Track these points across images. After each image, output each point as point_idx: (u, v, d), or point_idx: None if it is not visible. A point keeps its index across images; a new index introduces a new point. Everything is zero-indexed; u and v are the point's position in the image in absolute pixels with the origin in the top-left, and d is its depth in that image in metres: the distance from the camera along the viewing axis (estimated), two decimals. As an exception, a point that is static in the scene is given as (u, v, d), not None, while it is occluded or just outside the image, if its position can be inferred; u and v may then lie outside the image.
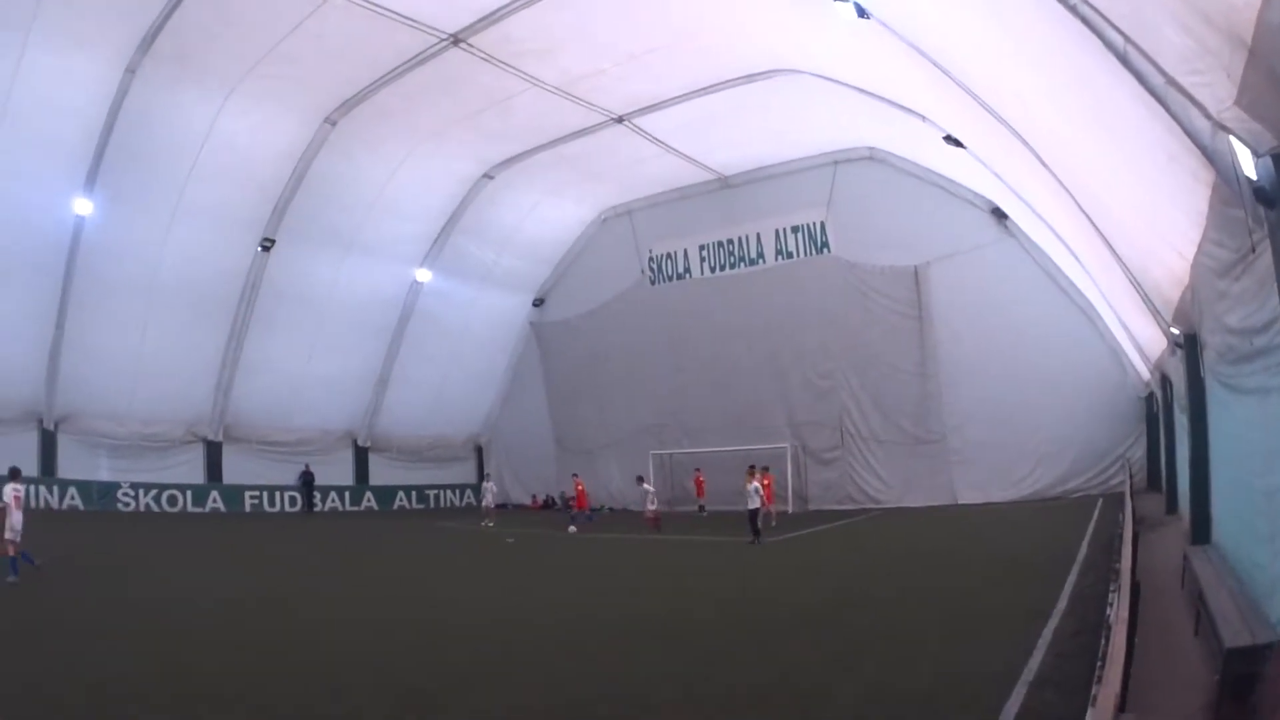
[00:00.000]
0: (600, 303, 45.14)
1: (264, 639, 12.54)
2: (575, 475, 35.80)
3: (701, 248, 41.84)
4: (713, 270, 41.65)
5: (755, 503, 24.84)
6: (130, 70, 27.88)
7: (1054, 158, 16.53)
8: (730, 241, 40.89)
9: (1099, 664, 6.26)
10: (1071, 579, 14.93)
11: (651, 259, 43.59)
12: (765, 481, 29.76)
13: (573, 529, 30.74)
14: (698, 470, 39.05)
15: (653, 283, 43.69)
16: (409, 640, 12.42)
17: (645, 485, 33.46)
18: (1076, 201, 16.89)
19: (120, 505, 34.45)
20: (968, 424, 34.46)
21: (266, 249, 35.71)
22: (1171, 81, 8.26)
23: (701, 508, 38.47)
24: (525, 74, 30.30)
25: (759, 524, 24.85)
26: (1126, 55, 9.03)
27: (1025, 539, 22.57)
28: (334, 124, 32.96)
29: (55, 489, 32.82)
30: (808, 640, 11.93)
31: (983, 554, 20.64)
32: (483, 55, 28.92)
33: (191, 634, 12.62)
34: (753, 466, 29.13)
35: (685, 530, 30.49)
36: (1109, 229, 16.24)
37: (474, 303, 45.32)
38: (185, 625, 13.31)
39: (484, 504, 36.78)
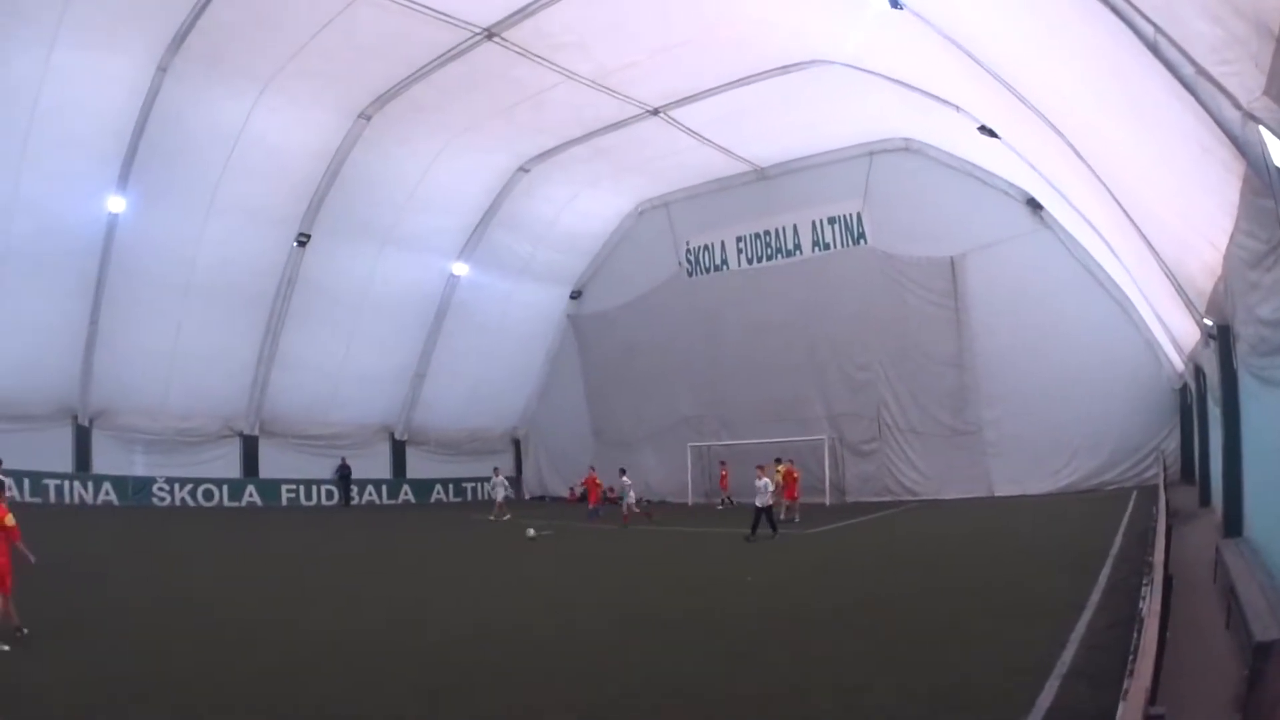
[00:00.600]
0: (638, 295, 44.98)
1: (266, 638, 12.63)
2: (591, 467, 35.62)
3: (739, 239, 41.59)
4: (750, 262, 41.39)
5: (765, 499, 24.51)
6: (162, 69, 28.07)
7: (1087, 148, 16.36)
8: (767, 233, 40.63)
9: (1131, 657, 6.29)
10: (1106, 571, 15.00)
11: (689, 251, 43.41)
12: (790, 474, 29.66)
13: (547, 532, 29.47)
14: (722, 463, 38.88)
15: (690, 274, 43.52)
16: (440, 638, 12.51)
17: (624, 480, 32.85)
18: (1110, 192, 16.73)
19: (155, 500, 34.76)
20: (1004, 416, 34.15)
21: (302, 244, 35.88)
22: (1202, 71, 8.20)
23: (726, 500, 38.42)
24: (559, 67, 30.22)
25: (773, 520, 24.58)
26: (1157, 45, 8.98)
27: (1061, 531, 22.51)
28: (368, 119, 33.02)
29: (90, 484, 33.03)
30: (846, 634, 12.03)
31: (1019, 546, 20.62)
32: (516, 49, 28.87)
33: (219, 631, 12.79)
34: (778, 459, 29.08)
35: (717, 523, 30.42)
36: (1143, 219, 16.08)
37: (511, 296, 45.30)
38: (207, 624, 13.45)
39: (496, 499, 36.42)
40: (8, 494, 16.98)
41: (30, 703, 9.07)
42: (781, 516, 28.53)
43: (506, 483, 36.85)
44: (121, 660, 10.96)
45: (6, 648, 11.10)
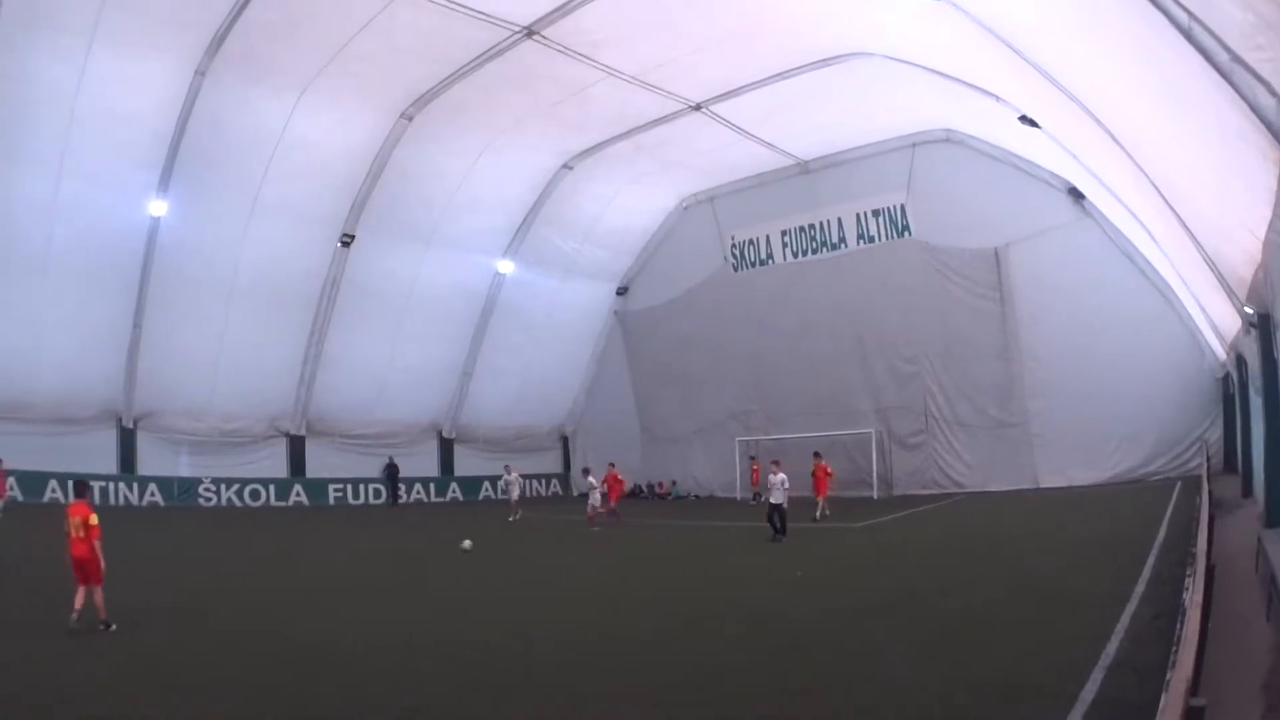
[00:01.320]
0: (684, 290, 44.93)
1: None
2: (611, 464, 34.92)
3: (784, 233, 41.40)
4: (795, 256, 41.20)
5: (779, 497, 23.46)
6: (200, 73, 28.28)
7: (1126, 135, 16.18)
8: (812, 226, 40.41)
9: (1173, 648, 6.36)
10: (1150, 563, 15.12)
11: (734, 245, 43.27)
12: (823, 469, 29.28)
13: (595, 528, 29.50)
14: (753, 459, 38.53)
15: (736, 269, 43.41)
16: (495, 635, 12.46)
17: (589, 480, 32.38)
18: (1150, 179, 16.48)
19: (201, 501, 35.06)
20: (1049, 407, 33.88)
21: (346, 245, 36.07)
22: (1236, 58, 8.07)
23: (757, 495, 38.00)
24: (600, 64, 30.19)
25: (784, 520, 23.31)
26: (1191, 31, 8.88)
27: (1106, 523, 22.49)
28: (410, 119, 33.10)
29: (135, 486, 33.35)
30: (894, 626, 12.13)
31: (1064, 538, 20.58)
32: (557, 47, 28.84)
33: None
34: (816, 453, 28.69)
35: (757, 518, 30.29)
36: (1182, 207, 15.86)
37: (557, 293, 45.41)
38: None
39: (511, 498, 35.17)
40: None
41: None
42: (827, 513, 28.31)
43: (520, 480, 35.61)
44: (194, 654, 11.33)
45: (114, 626, 12.39)
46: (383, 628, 13.07)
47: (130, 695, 9.30)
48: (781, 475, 23.69)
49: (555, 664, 10.63)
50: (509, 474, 36.04)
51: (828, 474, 29.50)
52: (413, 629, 12.98)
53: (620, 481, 33.23)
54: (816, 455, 30.45)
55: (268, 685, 9.78)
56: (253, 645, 11.90)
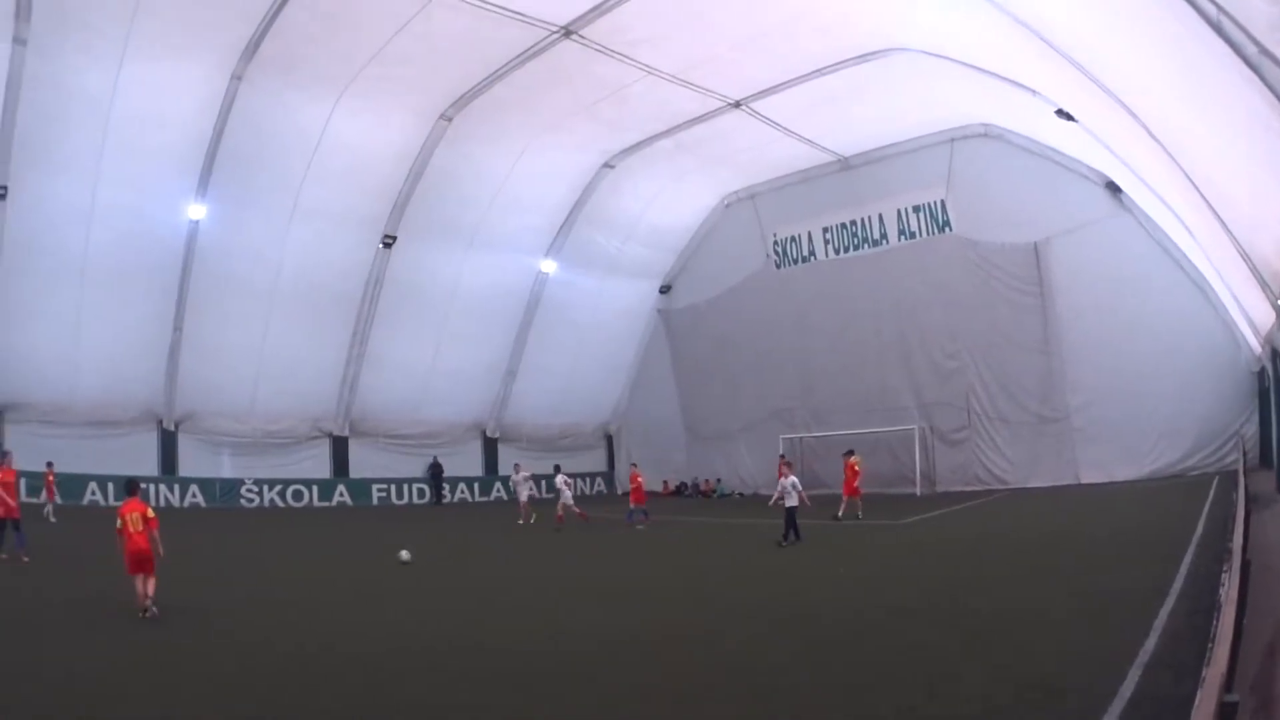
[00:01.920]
0: (727, 288, 44.89)
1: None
2: (633, 464, 34.67)
3: (825, 230, 41.30)
4: (837, 252, 41.07)
5: (791, 499, 22.47)
6: (236, 77, 28.50)
7: (1159, 127, 16.01)
8: (853, 223, 40.29)
9: (1209, 644, 6.38)
10: (1188, 558, 15.07)
11: (776, 242, 43.17)
12: (852, 467, 28.98)
13: (640, 526, 28.89)
14: (782, 457, 38.11)
15: (778, 266, 43.29)
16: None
17: (560, 479, 31.38)
18: (1184, 171, 16.30)
19: (244, 502, 35.39)
20: (1090, 402, 33.67)
21: (388, 246, 36.25)
22: (1264, 51, 8.01)
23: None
24: (639, 62, 30.16)
25: (795, 524, 22.31)
26: (1220, 25, 8.79)
27: (1145, 518, 22.38)
28: (449, 120, 33.19)
29: (176, 487, 33.80)
30: (935, 622, 12.16)
31: (1104, 534, 20.46)
32: (595, 46, 28.84)
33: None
34: (850, 451, 28.45)
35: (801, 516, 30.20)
36: (1216, 199, 15.66)
37: (600, 292, 45.45)
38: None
39: (520, 499, 32.29)
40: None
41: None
42: (841, 514, 27.97)
43: (531, 481, 33.00)
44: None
45: (155, 610, 13.17)
46: (414, 626, 13.17)
47: (168, 689, 9.49)
48: (792, 478, 22.96)
49: (586, 660, 10.70)
50: (517, 473, 33.70)
51: (855, 472, 29.16)
52: (445, 626, 13.11)
53: (641, 481, 31.84)
54: (847, 454, 30.18)
55: (298, 683, 9.88)
56: (285, 644, 12.01)
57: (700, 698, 8.97)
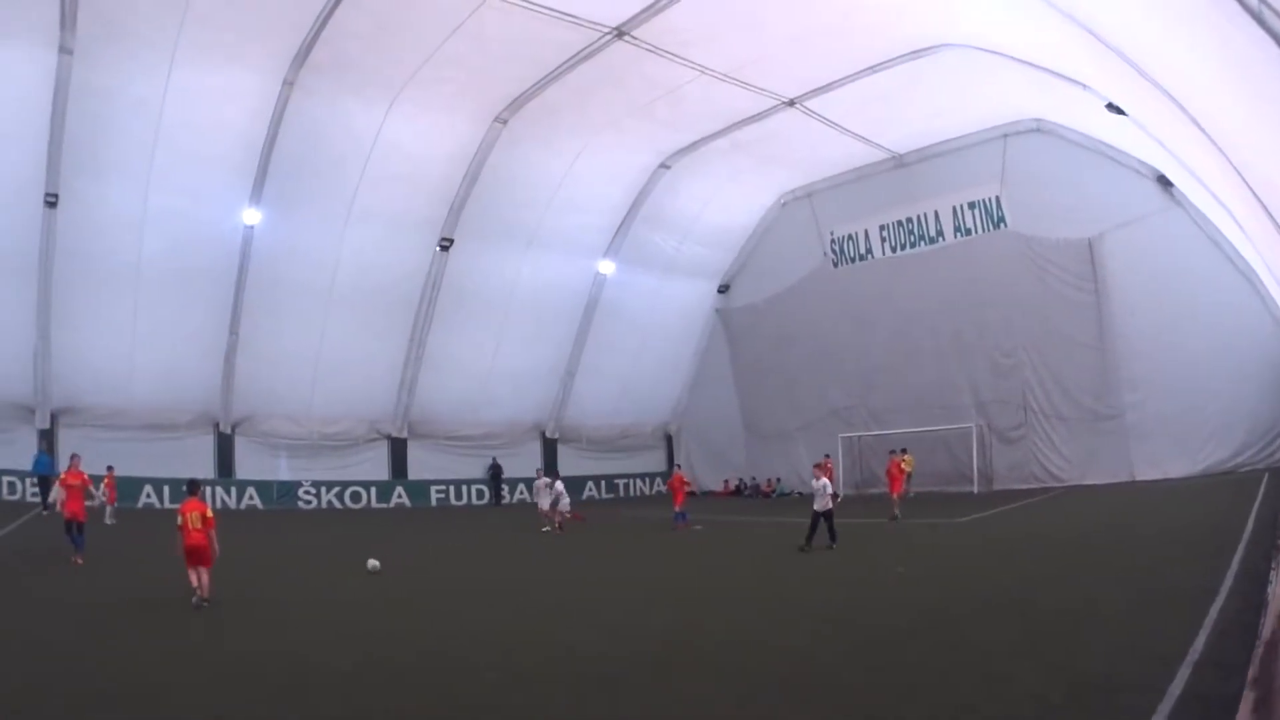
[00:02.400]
0: (785, 287, 44.75)
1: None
2: (677, 466, 34.26)
3: (881, 228, 41.15)
4: (894, 250, 40.90)
5: (823, 502, 21.63)
6: (289, 83, 28.95)
7: (1206, 119, 15.71)
8: (909, 220, 40.11)
9: (1257, 643, 6.66)
10: (1239, 556, 15.02)
11: (833, 241, 43.02)
12: (898, 465, 28.69)
13: (697, 526, 28.64)
14: (827, 457, 37.36)
15: (835, 265, 43.16)
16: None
17: (557, 484, 30.39)
18: (1233, 165, 15.95)
19: (301, 503, 35.91)
20: (1145, 399, 33.28)
21: (445, 249, 36.52)
22: None
23: (835, 494, 37.59)
24: (692, 62, 30.25)
25: (832, 527, 21.46)
26: (1261, 15, 8.55)
27: (1198, 515, 22.21)
28: (504, 122, 33.44)
29: (233, 490, 34.42)
30: (991, 621, 12.24)
31: (1156, 531, 20.53)
32: (647, 46, 28.98)
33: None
34: (903, 449, 28.16)
35: (847, 514, 29.94)
36: (1264, 192, 15.29)
37: (658, 292, 45.40)
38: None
39: (541, 506, 30.64)
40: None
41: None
42: (897, 512, 27.84)
43: (552, 487, 30.45)
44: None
45: (205, 603, 13.90)
46: (475, 628, 13.19)
47: (228, 692, 9.55)
48: (824, 480, 22.28)
49: (642, 663, 10.63)
50: (540, 477, 32.47)
51: (902, 471, 28.86)
52: (505, 630, 13.07)
53: (685, 484, 31.67)
54: (892, 452, 29.86)
55: (364, 683, 9.89)
56: (349, 643, 12.04)
57: (756, 699, 8.97)
